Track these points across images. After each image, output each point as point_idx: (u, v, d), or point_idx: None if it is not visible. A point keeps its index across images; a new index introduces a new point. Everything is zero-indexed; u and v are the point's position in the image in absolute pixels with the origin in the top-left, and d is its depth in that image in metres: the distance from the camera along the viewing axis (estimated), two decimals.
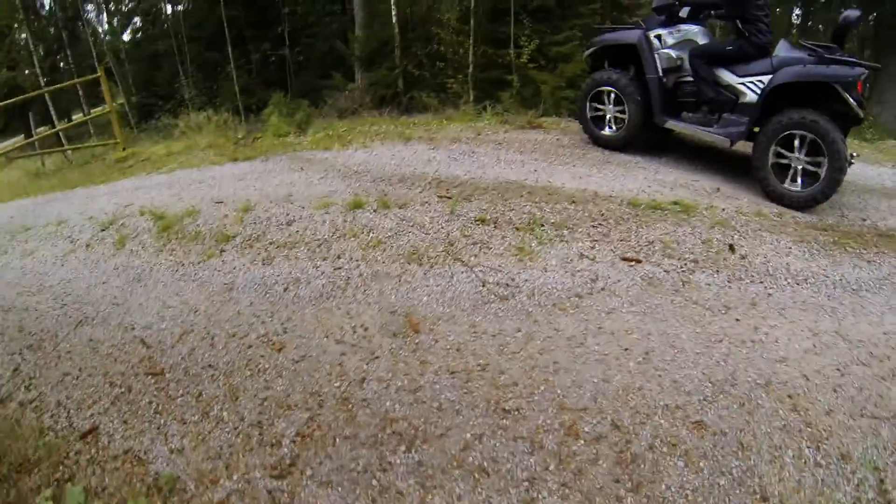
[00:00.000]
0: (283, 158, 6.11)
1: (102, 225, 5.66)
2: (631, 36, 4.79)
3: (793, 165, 4.10)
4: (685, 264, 3.40)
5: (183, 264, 4.23)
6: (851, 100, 3.86)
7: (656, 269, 3.34)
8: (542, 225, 3.77)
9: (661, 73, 4.63)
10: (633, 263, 3.38)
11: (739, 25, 4.40)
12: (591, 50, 5.28)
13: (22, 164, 12.21)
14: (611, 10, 10.77)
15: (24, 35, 14.95)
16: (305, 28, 13.87)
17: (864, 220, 4.18)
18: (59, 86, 11.60)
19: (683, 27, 4.72)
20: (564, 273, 3.28)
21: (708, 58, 4.48)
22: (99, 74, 9.30)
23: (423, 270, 3.29)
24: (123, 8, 17.98)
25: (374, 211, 4.08)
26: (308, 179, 5.12)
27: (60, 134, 11.97)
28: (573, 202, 4.09)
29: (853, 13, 4.20)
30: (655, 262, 3.41)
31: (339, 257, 3.60)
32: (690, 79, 4.61)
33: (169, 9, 14.87)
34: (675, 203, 4.05)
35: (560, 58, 9.79)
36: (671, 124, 4.71)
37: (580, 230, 3.71)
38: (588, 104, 5.19)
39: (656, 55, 4.63)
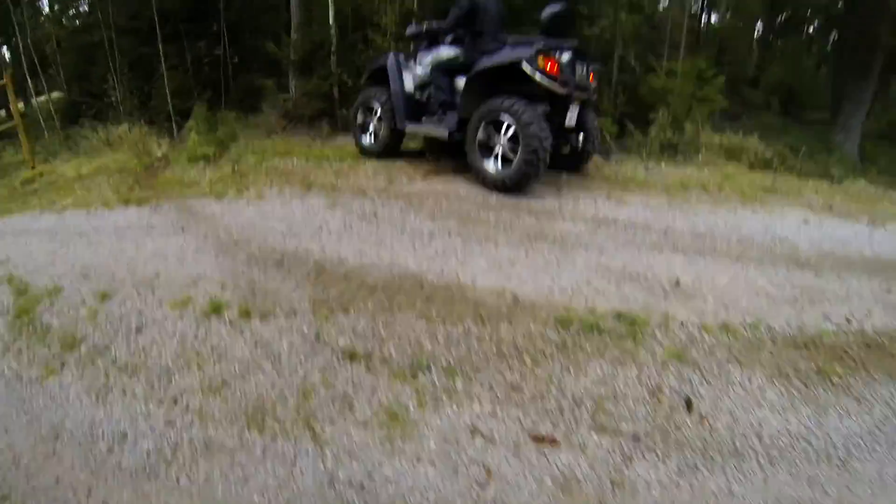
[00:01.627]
0: (172, 208, 5.25)
1: None
2: (383, 60, 5.57)
3: (496, 149, 4.50)
4: (622, 446, 2.38)
5: (21, 379, 3.44)
6: (536, 75, 4.22)
7: (578, 460, 2.32)
8: (430, 368, 2.79)
9: (404, 88, 5.34)
10: (546, 446, 2.39)
11: (467, 38, 4.98)
12: (366, 74, 6.20)
13: None
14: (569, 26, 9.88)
15: None
16: (242, 25, 12.59)
17: (849, 319, 3.25)
18: None
19: (439, 49, 5.24)
20: (445, 467, 2.31)
21: (444, 69, 5.08)
22: (4, 81, 8.17)
23: (263, 444, 2.47)
24: None
25: (230, 324, 3.26)
26: (183, 249, 4.28)
27: None
28: (481, 319, 3.08)
29: (555, 6, 4.64)
30: (579, 444, 2.39)
31: (175, 402, 2.83)
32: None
33: None
34: (619, 316, 3.05)
35: None
36: (409, 128, 5.35)
37: (481, 378, 2.71)
38: (358, 114, 6.03)
39: (407, 73, 5.38)
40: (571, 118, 4.71)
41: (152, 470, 2.55)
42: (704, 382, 2.68)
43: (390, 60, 5.46)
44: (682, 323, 3.03)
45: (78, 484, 2.64)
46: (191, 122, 9.51)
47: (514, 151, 4.34)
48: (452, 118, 4.88)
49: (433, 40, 5.34)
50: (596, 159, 6.00)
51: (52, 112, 12.59)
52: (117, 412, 2.91)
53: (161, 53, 10.94)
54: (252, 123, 10.32)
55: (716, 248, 4.05)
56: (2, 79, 8.23)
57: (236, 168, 6.18)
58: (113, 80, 11.16)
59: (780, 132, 12.31)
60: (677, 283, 3.41)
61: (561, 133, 4.73)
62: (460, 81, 4.93)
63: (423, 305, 3.26)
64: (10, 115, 9.46)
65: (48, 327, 3.87)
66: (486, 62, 4.53)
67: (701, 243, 4.10)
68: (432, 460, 2.37)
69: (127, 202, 5.74)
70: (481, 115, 4.47)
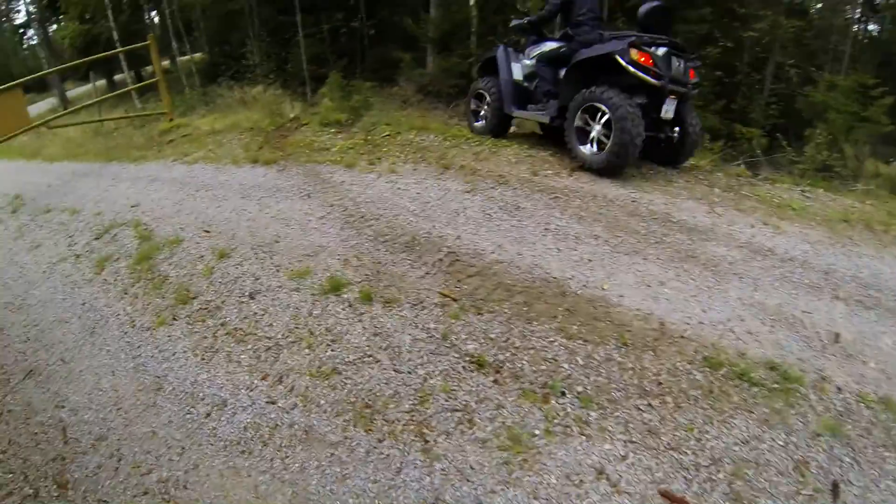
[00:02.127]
0: (299, 172, 5.35)
1: (99, 231, 5.36)
2: (494, 52, 6.18)
3: (591, 134, 4.87)
4: None
5: (134, 326, 3.60)
6: (630, 67, 4.55)
7: None
8: (564, 393, 2.49)
9: (512, 77, 5.91)
10: None
11: (569, 31, 5.34)
12: (479, 65, 6.84)
13: (88, 117, 12.25)
14: (720, 16, 8.97)
15: None
16: (380, 0, 12.82)
17: None
18: (117, 50, 11.32)
19: (545, 43, 5.75)
20: None
21: (547, 61, 5.53)
22: (148, 42, 8.88)
23: (368, 444, 2.27)
24: None
25: (349, 306, 3.11)
26: (307, 216, 4.31)
27: (132, 91, 11.78)
28: (625, 344, 2.76)
29: (652, 2, 5.09)
30: None
31: (280, 380, 2.71)
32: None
33: None
34: (772, 367, 2.64)
35: None
36: (515, 113, 5.90)
37: (617, 415, 2.40)
38: (471, 102, 6.53)
39: (515, 64, 5.96)
40: (667, 110, 4.91)
41: (247, 446, 2.46)
42: (856, 466, 2.27)
43: (500, 52, 6.06)
44: (838, 388, 2.62)
45: (172, 441, 2.66)
46: (325, 88, 9.73)
47: (608, 138, 4.69)
48: (554, 106, 5.33)
49: (540, 34, 5.90)
50: (744, 172, 5.88)
51: (194, 71, 13.52)
52: (220, 377, 2.88)
53: (298, 22, 11.27)
54: (386, 94, 10.41)
55: (881, 301, 3.32)
56: (147, 40, 8.81)
57: (369, 137, 6.13)
58: (251, 44, 11.67)
59: None
60: (837, 339, 2.97)
61: (658, 125, 5.03)
62: (563, 72, 5.31)
63: (565, 318, 2.91)
64: (153, 74, 10.14)
65: (165, 277, 4.02)
66: (584, 54, 4.94)
67: (865, 293, 3.39)
68: (550, 499, 2.05)
69: (255, 161, 5.99)
70: (579, 102, 4.86)
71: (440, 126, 6.67)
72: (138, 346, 3.37)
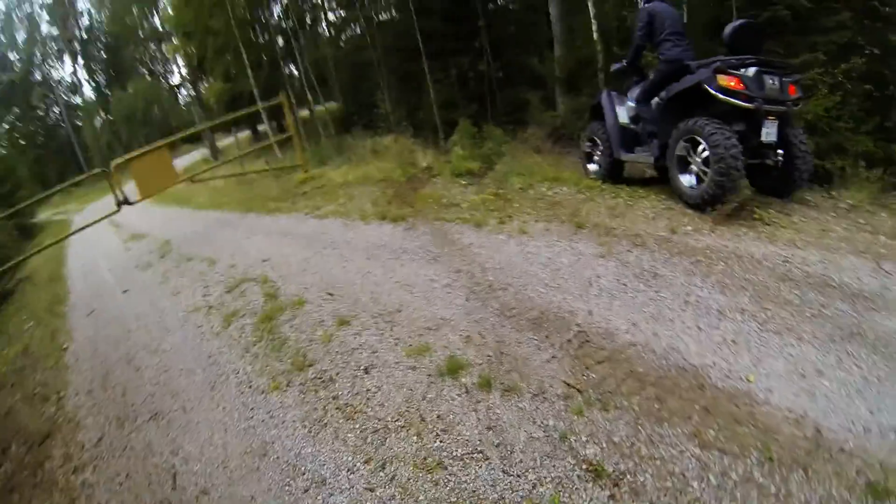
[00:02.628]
0: (426, 231, 5.57)
1: (231, 285, 5.91)
2: (598, 97, 6.44)
3: (692, 167, 4.98)
4: None
5: (250, 386, 3.80)
6: (718, 94, 4.64)
7: None
8: None
9: (617, 120, 6.05)
10: None
11: (656, 52, 5.38)
12: (589, 110, 6.85)
13: (231, 169, 13.63)
14: (862, 19, 7.93)
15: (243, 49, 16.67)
16: (504, 41, 13.09)
17: None
18: (253, 108, 12.65)
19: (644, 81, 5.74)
20: None
21: (643, 96, 5.56)
22: (280, 101, 9.82)
23: None
24: (337, 19, 19.20)
25: (466, 392, 3.03)
26: (432, 283, 4.42)
27: (273, 143, 12.95)
28: (769, 459, 2.34)
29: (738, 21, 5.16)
30: None
31: (383, 466, 2.67)
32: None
33: (375, 19, 15.25)
34: None
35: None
36: (624, 157, 5.99)
37: None
38: (585, 145, 6.72)
39: (620, 107, 6.11)
40: (767, 134, 4.86)
41: None
42: None
43: (604, 97, 6.33)
44: None
45: None
46: (455, 136, 10.04)
47: (708, 168, 4.77)
48: (656, 144, 5.44)
49: (641, 74, 6.01)
50: None
51: (329, 121, 14.57)
52: (324, 454, 2.96)
53: (426, 69, 11.81)
54: (518, 138, 10.50)
55: None
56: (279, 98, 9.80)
57: (500, 192, 6.27)
58: (381, 93, 12.37)
59: None
60: None
61: (760, 151, 4.97)
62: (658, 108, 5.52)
63: (701, 419, 2.61)
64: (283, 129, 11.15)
65: (284, 340, 4.25)
66: (674, 88, 5.14)
67: None
68: None
69: (384, 217, 6.36)
70: (677, 137, 5.01)
71: (573, 176, 6.59)
72: (252, 409, 3.59)
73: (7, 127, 40.70)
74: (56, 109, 43.57)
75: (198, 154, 26.33)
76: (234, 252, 6.95)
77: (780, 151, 4.96)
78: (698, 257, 4.13)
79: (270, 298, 5.05)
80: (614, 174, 6.37)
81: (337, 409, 3.23)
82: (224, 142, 25.42)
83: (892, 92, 7.72)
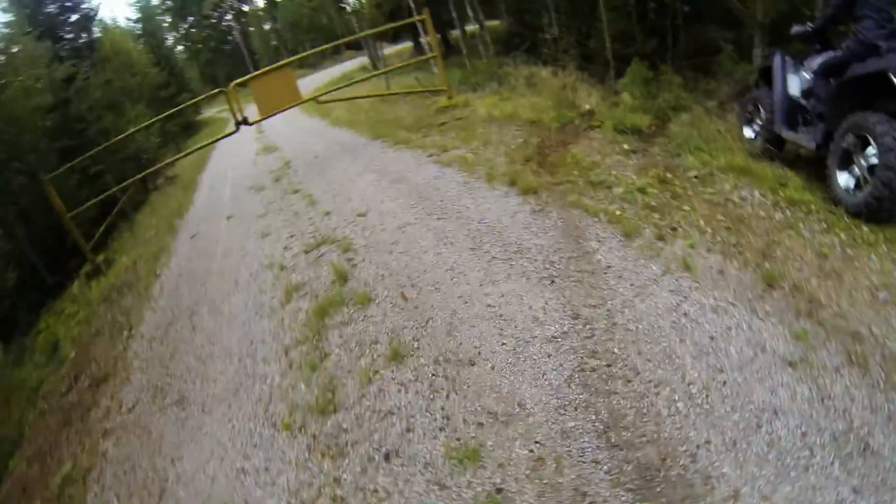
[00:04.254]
0: (559, 221, 3.99)
1: (312, 243, 5.05)
2: (770, 60, 5.48)
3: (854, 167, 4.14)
4: None
5: (266, 411, 2.99)
6: None
7: None
8: None
9: (786, 91, 5.11)
10: None
11: (852, 27, 4.47)
12: (758, 70, 6.20)
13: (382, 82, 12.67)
14: None
15: None
16: None
17: None
18: (400, 23, 11.28)
19: (829, 53, 4.81)
20: None
21: (824, 72, 4.63)
22: (424, 17, 8.50)
23: None
24: None
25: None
26: (534, 324, 2.92)
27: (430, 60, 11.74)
28: None
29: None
30: None
31: None
32: None
33: None
34: None
35: None
36: (785, 134, 5.03)
37: None
38: (746, 106, 5.78)
39: (793, 76, 5.16)
40: None
41: None
42: None
43: (777, 60, 5.32)
44: None
45: None
46: (626, 78, 8.13)
47: (873, 175, 3.84)
48: (821, 130, 4.53)
49: (826, 44, 5.07)
50: None
51: (489, 41, 12.90)
52: None
53: None
54: (700, 89, 8.38)
55: None
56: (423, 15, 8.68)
57: (667, 175, 4.47)
58: (549, 16, 10.49)
59: None
60: None
61: None
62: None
63: None
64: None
65: (324, 356, 3.28)
66: (856, 70, 4.15)
67: None
68: None
69: (513, 183, 4.82)
70: (846, 127, 4.10)
71: (770, 170, 4.68)
72: (255, 445, 2.83)
73: (181, 33, 43.66)
74: (228, 17, 45.73)
75: (357, 62, 25.71)
76: (337, 193, 5.99)
77: None
78: None
79: (339, 279, 3.97)
80: (772, 147, 5.37)
81: (332, 501, 2.17)
82: (389, 50, 24.67)
83: None
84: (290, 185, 7.09)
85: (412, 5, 13.48)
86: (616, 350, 2.63)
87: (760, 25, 7.68)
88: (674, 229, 3.64)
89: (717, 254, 3.34)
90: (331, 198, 5.89)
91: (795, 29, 5.26)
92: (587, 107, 7.38)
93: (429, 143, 6.94)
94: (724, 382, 2.36)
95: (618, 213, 3.93)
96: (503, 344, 2.82)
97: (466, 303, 3.24)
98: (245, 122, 7.92)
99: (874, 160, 3.83)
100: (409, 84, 12.30)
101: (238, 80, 8.33)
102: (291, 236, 5.25)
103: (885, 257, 3.36)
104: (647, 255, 3.38)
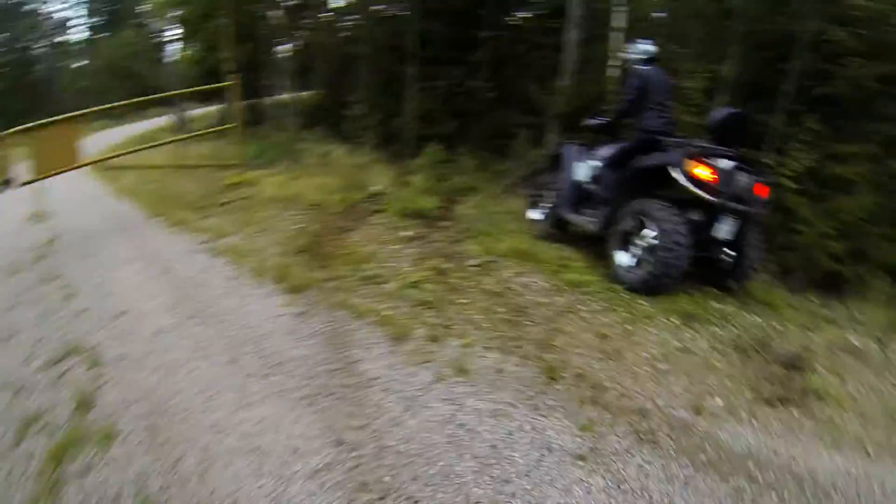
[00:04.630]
0: (326, 326, 3.79)
1: (57, 354, 4.06)
2: (559, 149, 5.98)
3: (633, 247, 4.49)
4: None
5: None
6: (683, 180, 4.19)
7: None
8: None
9: (573, 177, 5.51)
10: None
11: (636, 119, 4.93)
12: (549, 156, 6.60)
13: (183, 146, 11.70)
14: None
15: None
16: (507, 61, 11.43)
17: None
18: (211, 86, 10.69)
19: (616, 145, 5.19)
20: None
21: (612, 162, 5.06)
22: (234, 82, 8.06)
23: None
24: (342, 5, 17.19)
25: None
26: (289, 464, 2.61)
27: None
28: None
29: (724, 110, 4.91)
30: None
31: None
32: None
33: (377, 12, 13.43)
34: None
35: (837, 184, 5.95)
36: (568, 216, 5.48)
37: None
38: (532, 196, 6.25)
39: (580, 164, 5.54)
40: (720, 230, 4.45)
41: None
42: None
43: (566, 150, 5.84)
44: None
45: None
46: (420, 161, 8.40)
47: (650, 254, 4.26)
48: (604, 214, 4.97)
49: (615, 135, 5.47)
50: None
51: (296, 113, 12.69)
52: None
53: (413, 75, 10.13)
54: (494, 171, 8.89)
55: None
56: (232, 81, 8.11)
57: (446, 266, 4.56)
58: (359, 93, 10.66)
59: None
60: None
61: (710, 245, 4.49)
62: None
63: None
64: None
65: None
66: (639, 163, 4.67)
67: None
68: None
69: (282, 279, 4.56)
70: (628, 212, 4.58)
71: (551, 254, 4.97)
72: None
73: None
74: (40, 45, 39.71)
75: (165, 119, 23.95)
76: (100, 283, 5.16)
77: (732, 252, 4.54)
78: (736, 477, 2.49)
79: (82, 407, 3.26)
80: (555, 230, 5.85)
81: None
82: (199, 111, 23.19)
83: None
84: (51, 269, 5.92)
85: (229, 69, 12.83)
86: (388, 478, 2.45)
87: (556, 115, 8.37)
88: (448, 328, 3.65)
89: (496, 351, 3.36)
90: (92, 289, 5.04)
91: (590, 121, 5.65)
92: (376, 188, 7.42)
93: (207, 225, 6.43)
94: (514, 494, 2.32)
95: (388, 312, 3.86)
96: (260, 486, 2.48)
97: (220, 433, 2.85)
98: (6, 183, 6.74)
99: (653, 241, 4.24)
100: (206, 153, 11.50)
101: (12, 130, 7.02)
102: (37, 341, 4.27)
103: (662, 328, 3.65)
104: (417, 360, 3.32)
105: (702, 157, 4.26)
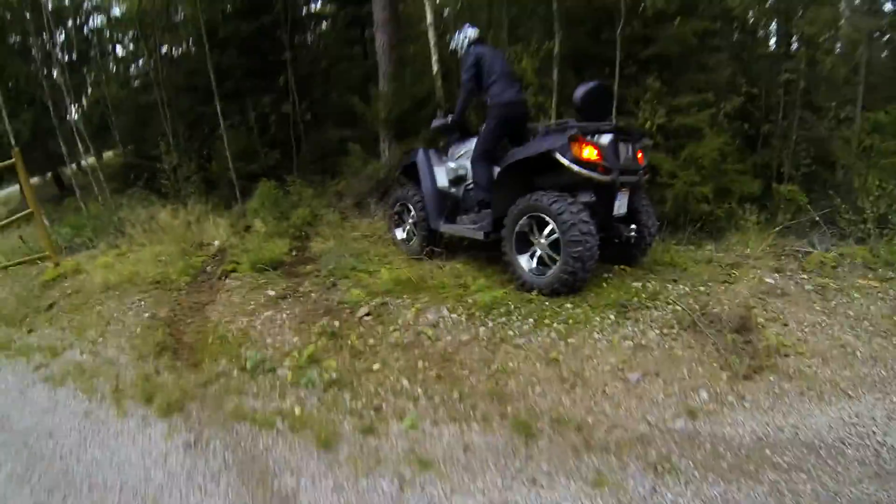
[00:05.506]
0: (233, 442, 2.85)
1: None
2: (413, 157, 5.23)
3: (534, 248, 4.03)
4: None
5: None
6: (573, 165, 3.77)
7: None
8: None
9: (436, 185, 4.95)
10: None
11: (485, 98, 4.55)
12: (398, 171, 5.96)
13: None
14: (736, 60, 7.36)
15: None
16: (316, 77, 10.74)
17: None
18: None
19: (471, 139, 4.77)
20: None
21: (481, 154, 4.53)
22: (13, 161, 6.42)
23: None
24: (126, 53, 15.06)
25: None
26: None
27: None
28: None
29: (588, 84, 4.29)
30: None
31: None
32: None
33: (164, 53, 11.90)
34: None
35: (687, 134, 6.39)
36: (444, 228, 4.87)
37: None
38: (393, 208, 5.50)
39: (439, 168, 5.00)
40: (620, 206, 4.18)
41: None
42: None
43: (420, 156, 5.15)
44: None
45: None
46: (255, 202, 7.38)
47: (556, 252, 3.81)
48: (487, 217, 4.44)
49: (465, 130, 5.01)
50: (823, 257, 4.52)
51: (103, 179, 10.73)
52: None
53: (220, 112, 9.02)
54: (333, 193, 8.16)
55: None
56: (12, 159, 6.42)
57: (335, 327, 3.75)
58: (168, 142, 9.27)
59: None
60: None
61: (610, 224, 4.18)
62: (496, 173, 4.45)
63: None
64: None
65: None
66: (518, 154, 4.15)
67: None
68: None
69: (149, 399, 3.41)
70: (519, 212, 4.01)
71: (442, 277, 4.41)
72: None
73: None
74: None
75: None
76: None
77: (633, 226, 4.29)
78: (766, 470, 2.27)
79: None
80: (431, 246, 5.06)
81: None
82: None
83: (768, 129, 7.15)
84: None
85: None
86: None
87: (385, 123, 7.74)
88: (378, 409, 2.93)
89: (449, 423, 2.69)
90: None
91: (436, 122, 5.17)
92: (217, 244, 6.39)
93: (35, 342, 4.83)
94: None
95: (298, 411, 3.06)
96: None
97: None
98: None
99: (557, 237, 3.79)
100: (6, 249, 9.26)
101: None
102: None
103: (602, 329, 3.21)
104: (366, 466, 2.54)
105: (584, 136, 3.88)
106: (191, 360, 3.76)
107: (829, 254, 4.57)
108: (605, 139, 4.00)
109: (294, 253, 5.78)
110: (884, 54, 12.75)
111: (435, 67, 7.34)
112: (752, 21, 9.12)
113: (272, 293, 4.56)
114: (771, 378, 2.89)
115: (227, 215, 7.70)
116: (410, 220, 5.37)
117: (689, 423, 2.63)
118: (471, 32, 4.81)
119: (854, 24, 7.54)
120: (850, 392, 2.79)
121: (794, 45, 8.23)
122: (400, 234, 5.54)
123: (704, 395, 2.80)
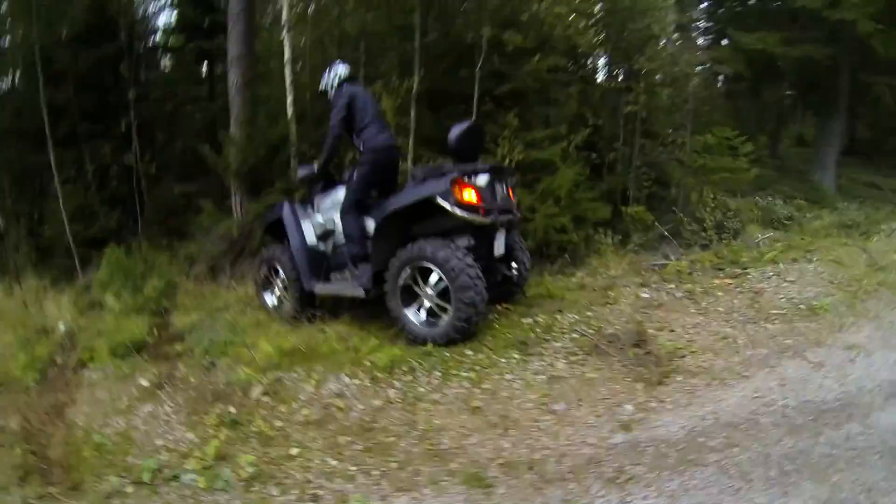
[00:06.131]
0: None
1: None
2: (278, 212, 4.81)
3: (421, 300, 3.90)
4: None
5: None
6: (456, 210, 3.65)
7: None
8: None
9: (305, 242, 4.54)
10: None
11: (356, 142, 4.35)
12: (261, 230, 5.62)
13: None
14: (582, 94, 8.01)
15: None
16: (160, 120, 9.71)
17: None
18: None
19: (339, 188, 4.52)
20: None
21: (352, 204, 4.27)
22: None
23: None
24: None
25: None
26: None
27: None
28: None
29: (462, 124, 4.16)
30: None
31: None
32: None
33: None
34: None
35: (540, 167, 6.76)
36: (318, 288, 4.48)
37: None
38: (261, 279, 5.00)
39: (306, 222, 4.64)
40: (499, 246, 4.17)
41: None
42: None
43: (286, 211, 4.74)
44: None
45: None
46: (102, 274, 6.42)
47: (446, 301, 3.75)
48: (366, 272, 4.15)
49: (331, 178, 4.74)
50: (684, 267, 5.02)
51: None
52: None
53: (53, 162, 7.80)
54: (185, 257, 7.40)
55: None
56: None
57: (235, 426, 3.27)
58: None
59: None
60: None
61: (491, 264, 4.15)
62: (370, 224, 4.26)
63: None
64: None
65: None
66: (398, 202, 4.00)
67: None
68: None
69: None
70: (400, 263, 3.86)
71: (330, 342, 4.13)
72: None
73: None
74: None
75: None
76: None
77: (512, 264, 4.34)
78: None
79: None
80: (305, 309, 4.63)
81: None
82: None
83: (613, 158, 7.74)
84: None
85: None
86: None
87: (236, 174, 7.11)
88: (317, 499, 2.59)
89: (398, 494, 2.54)
90: None
91: (302, 173, 4.82)
92: (62, 327, 5.46)
93: None
94: None
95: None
96: None
97: None
98: None
99: (444, 285, 3.72)
100: None
101: None
102: None
103: (511, 370, 3.35)
104: None
105: (463, 179, 3.84)
106: (67, 482, 3.02)
107: (682, 262, 5.17)
108: (482, 180, 4.00)
109: (156, 331, 5.11)
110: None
111: (290, 110, 6.99)
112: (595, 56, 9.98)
113: (145, 383, 3.98)
114: (679, 378, 3.26)
115: (68, 290, 6.61)
116: (280, 283, 4.95)
117: (626, 435, 2.83)
118: (342, 70, 4.60)
119: (684, 59, 8.61)
120: (744, 373, 3.26)
121: (631, 79, 9.07)
122: (270, 298, 5.09)
123: (629, 407, 3.05)
